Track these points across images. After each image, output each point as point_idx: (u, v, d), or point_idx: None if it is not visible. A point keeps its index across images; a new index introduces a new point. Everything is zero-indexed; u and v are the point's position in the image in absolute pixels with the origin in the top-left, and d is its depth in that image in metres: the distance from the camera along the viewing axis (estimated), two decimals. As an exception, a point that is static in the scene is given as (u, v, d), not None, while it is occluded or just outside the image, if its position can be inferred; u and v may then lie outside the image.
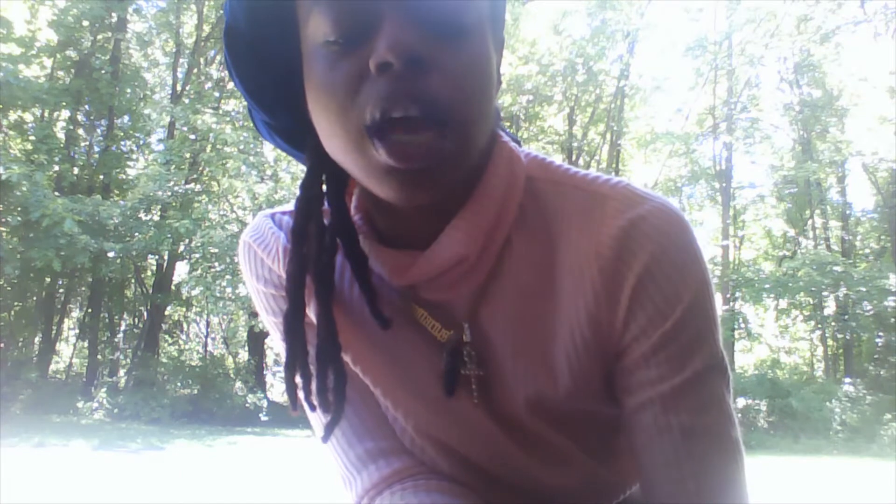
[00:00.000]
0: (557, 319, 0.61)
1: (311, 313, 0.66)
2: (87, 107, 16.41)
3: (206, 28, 16.44)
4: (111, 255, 13.24)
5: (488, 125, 0.57)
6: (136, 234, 13.88)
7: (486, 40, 0.56)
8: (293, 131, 0.64)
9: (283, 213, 0.73)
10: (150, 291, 16.40)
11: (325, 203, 0.64)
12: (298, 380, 0.63)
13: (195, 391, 14.64)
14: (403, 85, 0.50)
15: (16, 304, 16.16)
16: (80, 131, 16.72)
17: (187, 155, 14.81)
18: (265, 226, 0.72)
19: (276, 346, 0.76)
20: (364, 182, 0.55)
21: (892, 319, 16.02)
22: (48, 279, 15.55)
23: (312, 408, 0.64)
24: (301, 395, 0.63)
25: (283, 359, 0.66)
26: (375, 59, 0.50)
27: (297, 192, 0.64)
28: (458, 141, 0.52)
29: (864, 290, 15.67)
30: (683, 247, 0.59)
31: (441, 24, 0.52)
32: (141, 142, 17.58)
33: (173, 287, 16.21)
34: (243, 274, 0.74)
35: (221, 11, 15.80)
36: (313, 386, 0.63)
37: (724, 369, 0.61)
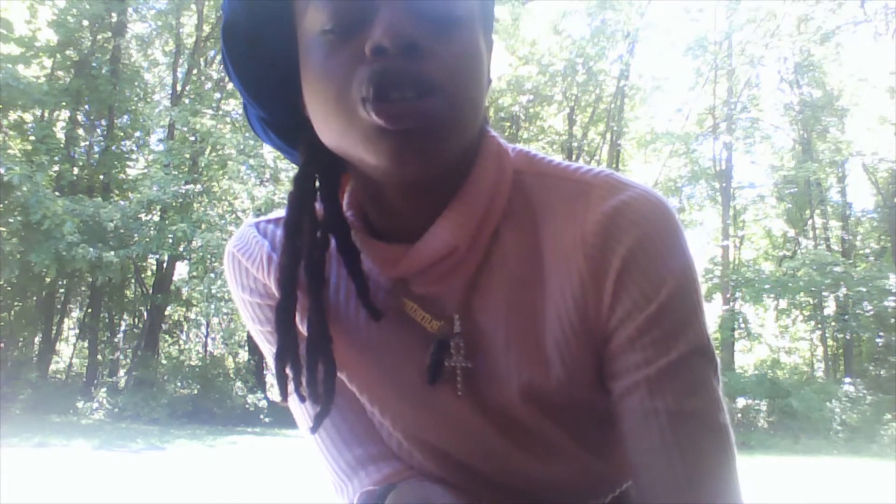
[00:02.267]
0: (547, 308, 0.62)
1: (299, 315, 0.66)
2: (87, 107, 16.40)
3: (206, 28, 16.43)
4: (111, 255, 13.21)
5: (477, 115, 0.59)
6: (136, 235, 13.87)
7: (477, 36, 0.58)
8: (287, 128, 0.66)
9: (269, 221, 0.73)
10: (150, 291, 16.38)
11: (318, 199, 0.65)
12: (288, 371, 0.63)
13: (195, 391, 14.63)
14: (398, 67, 0.52)
15: (16, 304, 16.16)
16: (80, 131, 16.70)
17: (187, 155, 14.81)
18: (249, 235, 0.72)
19: (265, 355, 0.76)
20: (358, 154, 0.56)
21: (892, 319, 16.01)
22: (48, 279, 15.54)
23: (302, 399, 0.64)
24: (291, 387, 0.64)
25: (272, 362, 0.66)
26: (371, 44, 0.52)
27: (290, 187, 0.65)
28: (447, 111, 0.54)
29: (864, 290, 15.68)
30: (667, 232, 0.60)
31: (434, 15, 0.54)
32: (141, 142, 17.59)
33: (173, 287, 16.20)
34: (229, 284, 0.75)
35: (221, 12, 15.78)
36: (303, 378, 0.63)
37: (710, 354, 0.61)
